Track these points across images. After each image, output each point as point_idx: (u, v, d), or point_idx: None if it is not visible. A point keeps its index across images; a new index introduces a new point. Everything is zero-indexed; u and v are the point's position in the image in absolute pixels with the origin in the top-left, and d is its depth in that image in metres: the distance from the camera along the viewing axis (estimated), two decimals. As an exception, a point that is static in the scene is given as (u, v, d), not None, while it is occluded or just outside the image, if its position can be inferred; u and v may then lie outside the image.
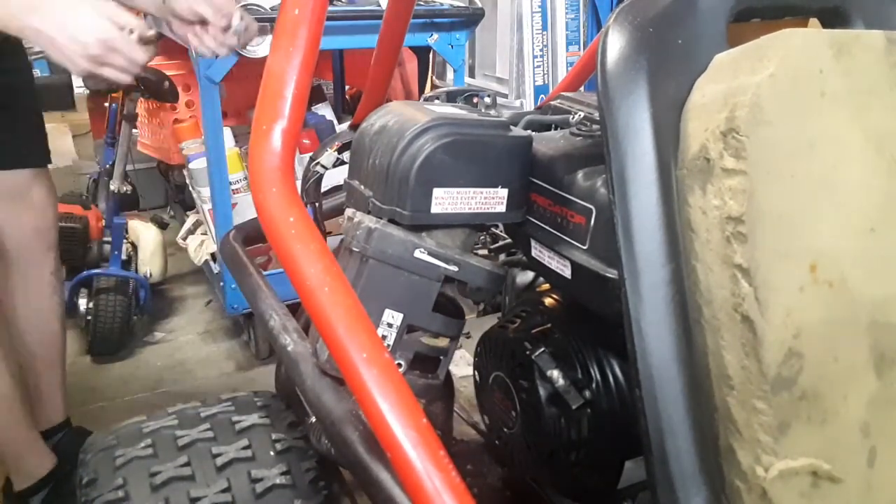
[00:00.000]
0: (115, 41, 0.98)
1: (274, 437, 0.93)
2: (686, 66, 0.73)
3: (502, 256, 1.30)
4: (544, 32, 3.12)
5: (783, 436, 0.66)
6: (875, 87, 0.72)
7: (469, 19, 2.43)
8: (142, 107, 2.62)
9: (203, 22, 1.14)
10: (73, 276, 2.34)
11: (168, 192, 3.39)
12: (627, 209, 0.70)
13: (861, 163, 0.71)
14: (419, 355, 0.96)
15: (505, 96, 3.16)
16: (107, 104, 2.81)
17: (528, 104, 3.11)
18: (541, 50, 3.14)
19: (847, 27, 0.84)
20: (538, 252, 0.95)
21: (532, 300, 1.14)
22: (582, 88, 1.51)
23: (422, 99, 1.31)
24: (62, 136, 4.96)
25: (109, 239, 2.37)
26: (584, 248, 0.85)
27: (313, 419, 1.01)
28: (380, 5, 2.20)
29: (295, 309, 1.08)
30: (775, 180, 0.66)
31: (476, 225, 0.96)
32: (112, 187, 2.36)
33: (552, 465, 1.00)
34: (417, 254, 0.89)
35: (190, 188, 2.52)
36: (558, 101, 1.17)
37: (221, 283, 2.31)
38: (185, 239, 2.65)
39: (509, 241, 1.28)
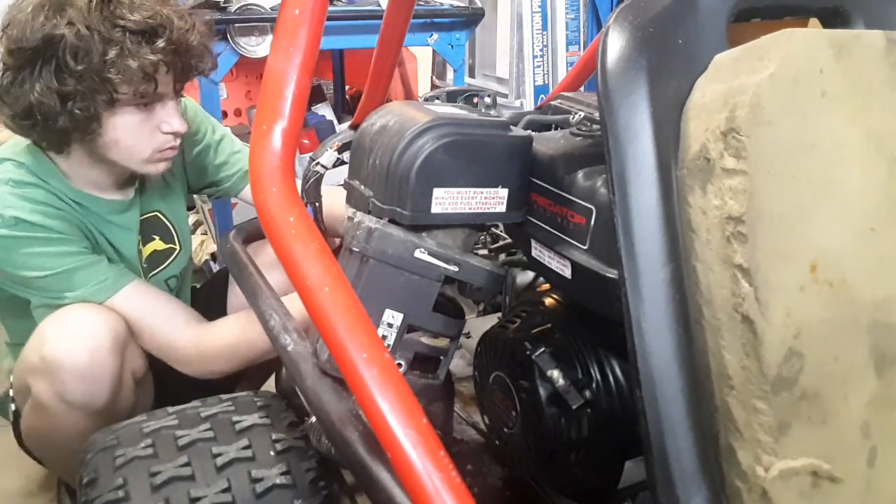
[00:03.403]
0: None
1: (274, 437, 0.93)
2: (686, 66, 0.73)
3: (502, 256, 1.30)
4: (544, 32, 3.12)
5: (783, 436, 0.66)
6: (875, 87, 0.72)
7: (469, 19, 2.43)
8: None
9: None
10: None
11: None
12: (628, 209, 0.70)
13: (861, 163, 0.71)
14: (419, 355, 0.96)
15: (505, 96, 3.16)
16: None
17: (528, 104, 3.11)
18: (541, 50, 3.14)
19: (847, 27, 0.84)
20: (538, 252, 0.95)
21: (532, 300, 1.14)
22: (582, 88, 1.52)
23: (422, 99, 1.31)
24: (62, 136, 4.96)
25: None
26: (585, 248, 0.85)
27: (313, 419, 1.01)
28: (380, 5, 2.21)
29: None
30: (776, 180, 0.66)
31: (476, 225, 0.96)
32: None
33: (552, 465, 1.00)
34: (418, 254, 0.89)
35: (190, 188, 2.52)
36: (558, 101, 1.17)
37: (221, 283, 2.30)
38: (185, 239, 2.65)
39: (509, 240, 1.28)
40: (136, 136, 1.21)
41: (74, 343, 1.15)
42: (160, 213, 1.43)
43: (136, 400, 1.29)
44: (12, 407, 1.39)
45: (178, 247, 1.46)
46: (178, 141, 1.27)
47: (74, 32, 1.09)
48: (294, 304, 1.01)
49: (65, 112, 1.13)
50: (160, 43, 1.15)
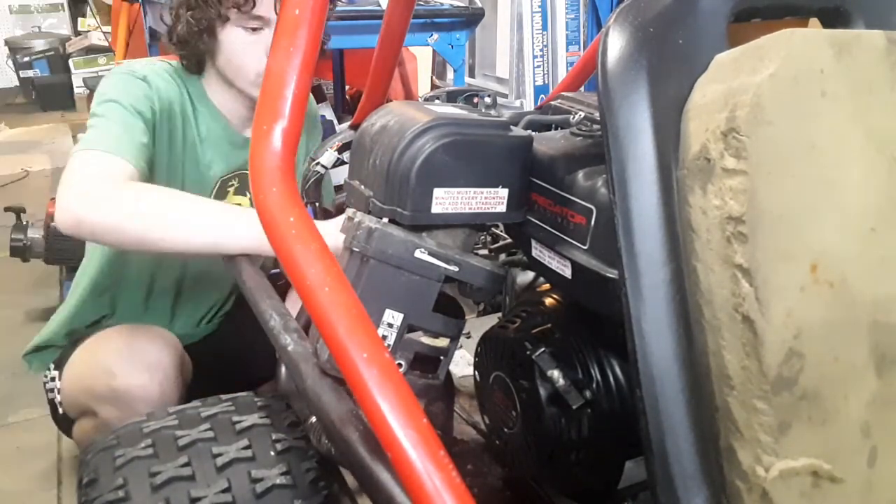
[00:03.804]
0: None
1: (274, 437, 0.93)
2: (687, 66, 0.73)
3: (503, 256, 1.30)
4: (544, 32, 3.12)
5: (784, 436, 0.66)
6: (876, 87, 0.72)
7: (469, 19, 2.44)
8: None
9: None
10: (72, 275, 2.33)
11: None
12: (628, 209, 0.70)
13: (861, 163, 0.71)
14: (419, 355, 0.96)
15: (505, 96, 3.16)
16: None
17: (528, 104, 3.12)
18: (541, 50, 3.14)
19: (847, 27, 0.84)
20: (538, 252, 0.95)
21: (532, 300, 1.14)
22: (582, 88, 1.52)
23: (422, 99, 1.31)
24: (62, 136, 4.97)
25: (110, 238, 2.37)
26: (585, 248, 0.85)
27: (314, 419, 1.01)
28: (380, 5, 2.21)
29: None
30: (776, 180, 0.66)
31: (476, 225, 0.96)
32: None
33: (552, 464, 1.00)
34: (418, 254, 0.89)
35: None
36: (558, 101, 1.17)
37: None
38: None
39: (510, 240, 1.28)
40: (243, 56, 1.35)
41: (145, 376, 1.22)
42: None
43: None
44: (56, 397, 1.43)
45: None
46: None
47: None
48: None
49: (184, 20, 1.33)
50: None
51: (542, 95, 3.09)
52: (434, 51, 2.57)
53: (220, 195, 1.48)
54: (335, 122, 2.91)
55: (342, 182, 1.05)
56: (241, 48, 1.35)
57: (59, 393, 1.41)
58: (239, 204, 1.49)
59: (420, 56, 3.13)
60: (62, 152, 4.43)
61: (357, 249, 0.89)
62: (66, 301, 1.52)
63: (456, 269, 0.91)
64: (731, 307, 0.67)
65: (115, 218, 1.12)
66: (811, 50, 0.68)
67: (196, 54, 1.39)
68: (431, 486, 0.63)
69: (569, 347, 0.99)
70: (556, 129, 1.10)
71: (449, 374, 1.07)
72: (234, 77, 1.39)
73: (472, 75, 3.42)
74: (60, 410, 1.43)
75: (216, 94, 1.45)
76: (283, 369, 1.15)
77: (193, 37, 1.34)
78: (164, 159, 1.37)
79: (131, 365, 1.23)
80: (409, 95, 2.69)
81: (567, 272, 0.89)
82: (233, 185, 1.49)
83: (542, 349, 0.97)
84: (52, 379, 1.43)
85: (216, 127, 1.45)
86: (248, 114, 1.46)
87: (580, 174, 0.88)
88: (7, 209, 2.54)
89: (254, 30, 1.34)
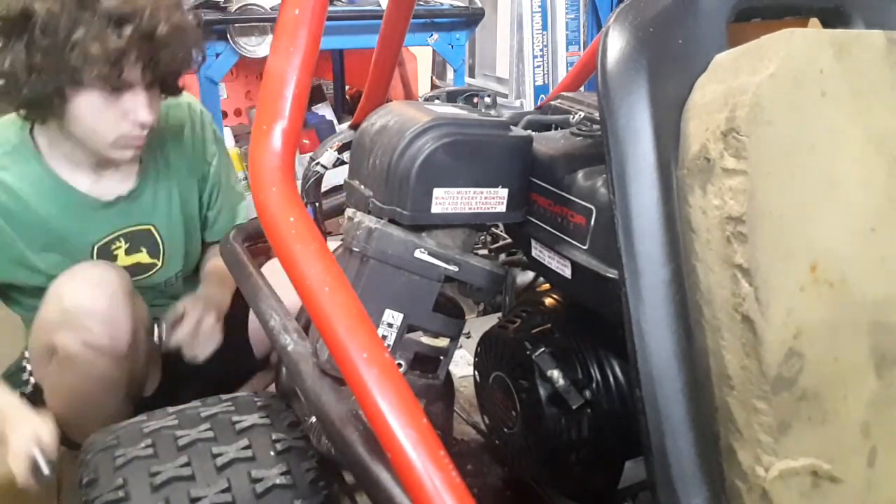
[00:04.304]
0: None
1: (274, 437, 0.93)
2: (686, 65, 0.73)
3: (502, 256, 1.30)
4: (544, 32, 3.12)
5: (783, 436, 0.66)
6: (875, 87, 0.72)
7: (469, 19, 2.44)
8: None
9: None
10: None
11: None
12: (628, 209, 0.70)
13: (861, 163, 0.71)
14: (419, 355, 0.96)
15: (505, 96, 3.16)
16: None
17: (528, 104, 3.11)
18: (541, 50, 3.14)
19: (847, 27, 0.84)
20: (538, 252, 0.95)
21: (532, 300, 1.14)
22: (582, 88, 1.52)
23: (422, 99, 1.31)
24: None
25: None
26: (585, 248, 0.85)
27: (314, 419, 1.01)
28: (380, 5, 2.21)
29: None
30: (776, 180, 0.66)
31: (476, 225, 0.96)
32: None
33: (552, 464, 1.00)
34: (418, 254, 0.89)
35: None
36: (558, 100, 1.17)
37: (221, 283, 2.30)
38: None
39: (509, 240, 1.28)
40: (100, 119, 1.21)
41: (92, 290, 1.20)
42: (155, 228, 1.43)
43: (148, 367, 1.34)
44: (29, 378, 1.40)
45: (160, 263, 1.45)
46: (146, 131, 1.27)
47: (46, 8, 1.11)
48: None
49: (28, 83, 1.15)
50: (127, 30, 1.14)
51: (542, 95, 3.09)
52: (434, 51, 2.57)
53: (106, 259, 1.37)
54: (335, 122, 2.91)
55: (342, 182, 1.05)
56: (98, 111, 1.20)
57: (31, 375, 1.39)
58: (138, 263, 1.42)
59: (420, 56, 3.13)
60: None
61: (357, 249, 0.89)
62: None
63: (456, 269, 0.91)
64: (731, 307, 0.67)
65: None
66: (811, 50, 0.68)
67: (36, 109, 1.22)
68: (431, 486, 0.63)
69: (569, 347, 0.99)
70: (556, 129, 1.10)
71: (449, 374, 1.07)
72: (86, 138, 1.24)
73: (472, 75, 3.42)
74: (30, 387, 1.39)
75: (56, 144, 1.29)
76: (284, 369, 1.15)
77: (42, 101, 1.18)
78: (28, 252, 1.30)
79: (77, 284, 1.22)
80: (409, 95, 2.69)
81: (567, 272, 0.89)
82: (119, 246, 1.39)
83: (542, 349, 0.97)
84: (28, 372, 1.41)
85: (63, 198, 1.31)
86: (91, 160, 1.31)
87: (580, 174, 0.88)
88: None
89: (114, 90, 1.18)
